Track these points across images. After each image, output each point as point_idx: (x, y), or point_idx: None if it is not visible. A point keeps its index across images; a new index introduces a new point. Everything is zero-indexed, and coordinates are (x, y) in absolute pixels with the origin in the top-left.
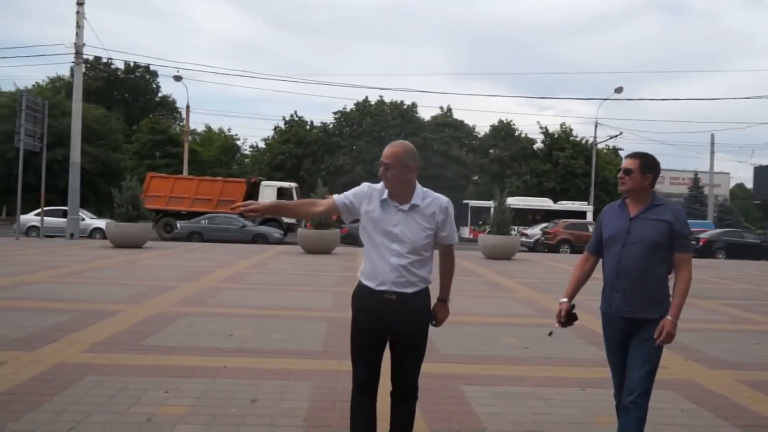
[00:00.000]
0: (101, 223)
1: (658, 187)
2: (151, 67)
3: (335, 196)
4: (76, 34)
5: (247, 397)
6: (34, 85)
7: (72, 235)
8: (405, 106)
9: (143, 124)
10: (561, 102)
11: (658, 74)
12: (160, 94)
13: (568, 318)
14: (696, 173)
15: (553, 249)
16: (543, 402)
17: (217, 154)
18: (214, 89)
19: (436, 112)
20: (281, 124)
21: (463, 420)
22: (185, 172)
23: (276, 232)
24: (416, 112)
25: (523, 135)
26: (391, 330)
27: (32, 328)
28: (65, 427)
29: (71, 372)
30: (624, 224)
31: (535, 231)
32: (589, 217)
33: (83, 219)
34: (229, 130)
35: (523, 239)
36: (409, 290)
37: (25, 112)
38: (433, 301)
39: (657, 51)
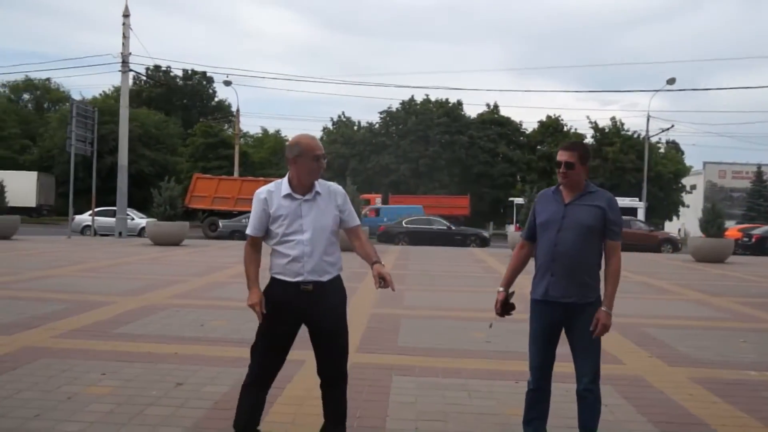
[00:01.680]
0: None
1: (719, 181)
2: (204, 73)
3: (250, 234)
4: (123, 44)
5: (176, 381)
6: (101, 94)
7: (120, 234)
8: (450, 104)
9: (197, 128)
10: (623, 96)
11: (722, 64)
12: (216, 99)
13: (504, 308)
14: (759, 167)
15: None
16: (466, 393)
17: (267, 155)
18: (269, 93)
19: (483, 109)
20: (329, 125)
21: (370, 408)
22: (236, 174)
23: None
24: (462, 110)
25: (572, 130)
26: (309, 320)
27: (23, 316)
28: None
29: (29, 355)
30: (559, 210)
31: None
32: (641, 214)
33: (132, 218)
34: (278, 131)
35: None
36: (325, 278)
37: (76, 119)
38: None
39: (720, 42)
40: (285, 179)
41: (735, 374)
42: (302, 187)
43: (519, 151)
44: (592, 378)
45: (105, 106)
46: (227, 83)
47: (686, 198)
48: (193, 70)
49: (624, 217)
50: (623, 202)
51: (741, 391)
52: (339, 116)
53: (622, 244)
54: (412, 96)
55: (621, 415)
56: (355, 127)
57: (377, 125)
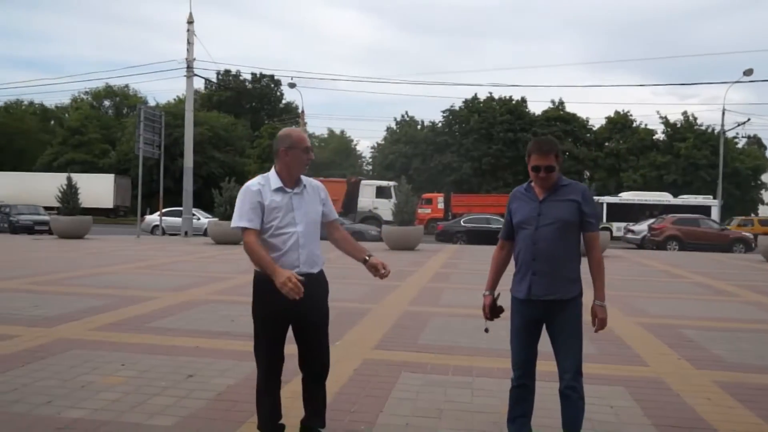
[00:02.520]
0: None
1: None
2: (272, 76)
3: (248, 228)
4: (187, 50)
5: (188, 373)
6: (174, 98)
7: (186, 233)
8: (514, 102)
9: (263, 130)
10: (703, 90)
11: None
12: (283, 101)
13: (493, 311)
14: None
15: (661, 246)
16: (470, 391)
17: (332, 155)
18: (336, 94)
19: (547, 106)
20: (393, 125)
21: (367, 403)
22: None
23: (373, 230)
24: (526, 108)
25: (641, 126)
26: (299, 313)
27: (68, 310)
28: (13, 386)
29: (62, 346)
30: (534, 207)
31: (642, 227)
32: (715, 213)
33: (198, 218)
34: (342, 132)
35: (629, 236)
36: (315, 271)
37: (144, 123)
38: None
39: None
40: (272, 173)
41: (766, 379)
42: (291, 180)
43: (585, 147)
44: (573, 375)
45: (178, 111)
46: (292, 85)
47: (766, 196)
48: (261, 74)
49: (693, 215)
50: (696, 200)
51: (765, 396)
52: (402, 116)
53: (690, 244)
54: (475, 94)
55: (625, 417)
56: (419, 127)
57: (440, 124)
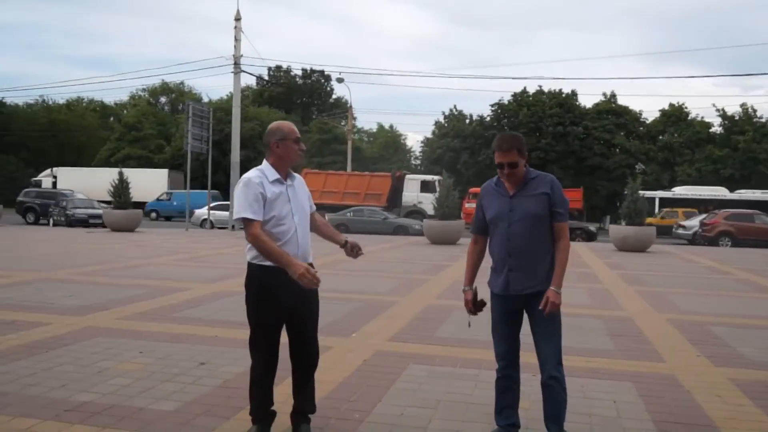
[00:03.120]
0: None
1: None
2: (322, 71)
3: (253, 219)
4: (234, 47)
5: (200, 361)
6: (227, 95)
7: (233, 227)
8: (564, 95)
9: (312, 125)
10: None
11: None
12: (334, 96)
13: (475, 305)
14: None
15: (713, 242)
16: (473, 384)
17: (379, 150)
18: (387, 89)
19: (599, 98)
20: (441, 119)
21: (367, 392)
22: (348, 169)
23: (416, 224)
24: (576, 101)
25: (698, 118)
26: (295, 304)
27: (102, 299)
28: (34, 371)
29: (89, 333)
30: (504, 203)
31: (694, 223)
32: None
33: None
34: (391, 126)
35: (680, 231)
36: (310, 260)
37: (192, 119)
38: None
39: None
40: (266, 166)
41: None
42: (285, 172)
43: (638, 141)
44: (554, 365)
45: (230, 107)
46: (340, 80)
47: None
48: (311, 69)
49: (747, 211)
50: (754, 195)
51: None
52: (451, 110)
53: (743, 241)
54: (524, 87)
55: (625, 412)
56: (467, 121)
57: (488, 118)
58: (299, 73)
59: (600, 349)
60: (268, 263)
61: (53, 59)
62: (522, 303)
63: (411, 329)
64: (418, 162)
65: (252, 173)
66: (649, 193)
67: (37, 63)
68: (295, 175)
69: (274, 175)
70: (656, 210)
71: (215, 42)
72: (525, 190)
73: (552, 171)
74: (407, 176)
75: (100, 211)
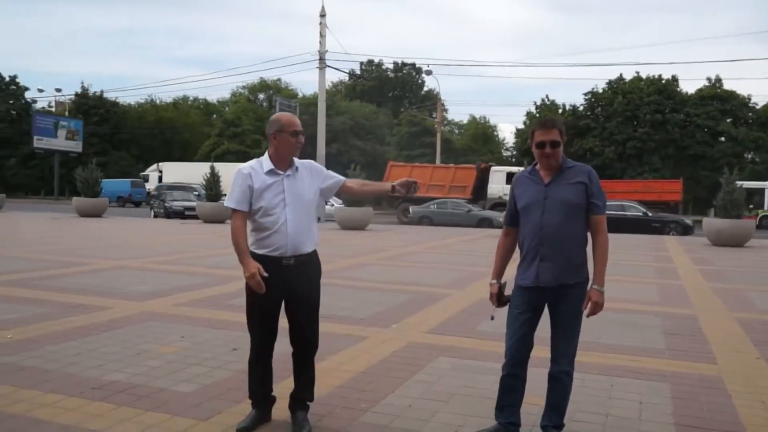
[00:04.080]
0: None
1: None
2: (413, 64)
3: (235, 209)
4: (320, 43)
5: (234, 346)
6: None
7: (318, 219)
8: (663, 81)
9: (402, 118)
10: None
11: None
12: (425, 89)
13: (501, 299)
14: None
15: None
16: (495, 378)
17: (469, 141)
18: (480, 80)
19: (702, 84)
20: (533, 110)
21: (382, 382)
22: (437, 161)
23: (500, 217)
24: (677, 86)
25: None
26: (290, 293)
27: (164, 286)
28: (79, 351)
29: (141, 318)
30: (539, 191)
31: None
32: None
33: (332, 205)
34: (484, 118)
35: None
36: (304, 252)
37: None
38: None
39: None
40: (265, 157)
41: None
42: (283, 163)
43: (746, 128)
44: (569, 360)
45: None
46: (428, 72)
47: None
48: (402, 62)
49: None
50: None
51: None
52: (543, 100)
53: None
54: (621, 74)
55: (647, 414)
56: (559, 111)
57: (581, 107)
58: (391, 66)
59: (648, 347)
60: (261, 251)
61: (162, 60)
62: (549, 297)
63: (454, 322)
64: (509, 153)
65: (247, 163)
66: (757, 184)
67: (148, 64)
68: (306, 164)
69: (268, 165)
70: (766, 202)
71: (314, 38)
72: (561, 179)
73: (650, 161)
74: (492, 168)
75: (195, 204)
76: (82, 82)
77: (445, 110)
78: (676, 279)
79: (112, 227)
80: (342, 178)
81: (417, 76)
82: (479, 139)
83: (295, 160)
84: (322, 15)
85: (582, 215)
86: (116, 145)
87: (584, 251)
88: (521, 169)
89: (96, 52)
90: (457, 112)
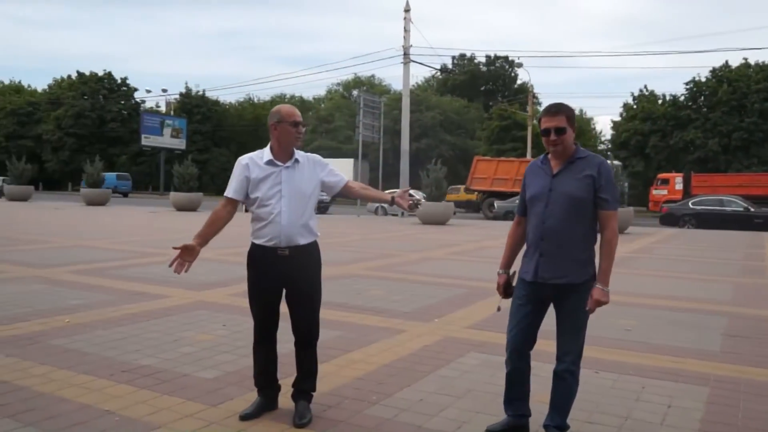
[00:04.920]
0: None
1: None
2: (506, 57)
3: (228, 194)
4: (404, 38)
5: None
6: (414, 84)
7: (402, 213)
8: None
9: (493, 112)
10: None
11: None
12: (518, 82)
13: (508, 290)
14: None
15: None
16: None
17: None
18: (575, 72)
19: None
20: (630, 101)
21: (400, 376)
22: (528, 155)
23: None
24: None
25: None
26: (287, 284)
27: (227, 277)
28: (124, 336)
29: (192, 307)
30: (546, 182)
31: None
32: None
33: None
34: (580, 110)
35: None
36: (300, 243)
37: (363, 109)
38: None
39: None
40: (267, 148)
41: None
42: (283, 154)
43: None
44: (574, 359)
45: (413, 97)
46: (519, 65)
47: None
48: (495, 55)
49: None
50: None
51: None
52: (641, 90)
53: None
54: (726, 61)
55: (672, 419)
56: (659, 101)
57: (682, 97)
58: (483, 60)
59: (700, 349)
60: (258, 241)
61: (264, 60)
62: (551, 294)
63: (499, 318)
64: (604, 147)
65: (247, 154)
66: None
67: (250, 64)
68: (310, 157)
69: (268, 156)
70: None
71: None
72: (569, 170)
73: (758, 153)
74: None
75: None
76: (186, 83)
77: (539, 103)
78: (761, 277)
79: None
80: (345, 178)
81: (510, 69)
82: None
83: (298, 152)
84: (407, 10)
85: (588, 210)
86: (217, 142)
87: (590, 248)
88: (616, 163)
89: (201, 54)
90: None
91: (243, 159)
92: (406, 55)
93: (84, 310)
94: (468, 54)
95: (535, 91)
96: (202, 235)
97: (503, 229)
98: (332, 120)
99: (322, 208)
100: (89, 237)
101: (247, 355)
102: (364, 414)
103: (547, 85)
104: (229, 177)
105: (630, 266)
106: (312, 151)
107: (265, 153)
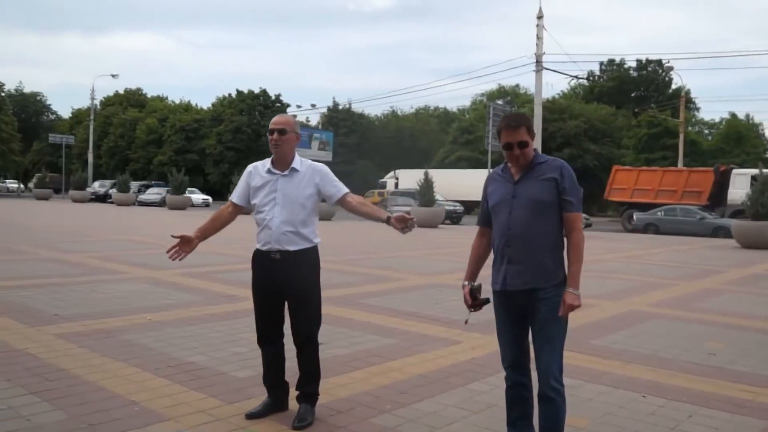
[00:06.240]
0: None
1: None
2: (659, 61)
3: (232, 198)
4: (536, 45)
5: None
6: (558, 93)
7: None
8: None
9: (641, 119)
10: None
11: None
12: (673, 86)
13: (474, 301)
14: None
15: None
16: None
17: (719, 142)
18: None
19: None
20: None
21: (428, 387)
22: (679, 164)
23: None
24: None
25: None
26: (281, 288)
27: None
28: (189, 335)
29: None
30: (508, 189)
31: None
32: None
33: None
34: (747, 116)
35: None
36: (292, 248)
37: (492, 120)
38: None
39: None
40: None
41: None
42: (279, 163)
43: None
44: (555, 373)
45: (554, 106)
46: (669, 68)
47: None
48: (647, 59)
49: None
50: None
51: None
52: None
53: None
54: None
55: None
56: None
57: None
58: (633, 64)
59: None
60: (257, 245)
61: (413, 72)
62: (523, 301)
63: (574, 334)
64: None
65: (255, 162)
66: None
67: (400, 77)
68: (312, 167)
69: (267, 165)
70: None
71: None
72: (530, 175)
73: None
74: (734, 171)
75: (409, 209)
76: (333, 98)
77: (696, 109)
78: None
79: (338, 229)
80: (345, 190)
81: (663, 74)
82: (731, 140)
83: (302, 161)
84: (539, 17)
85: (554, 214)
86: (361, 154)
87: (558, 252)
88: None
89: (351, 69)
90: (714, 110)
91: (249, 167)
92: (538, 62)
93: (170, 309)
94: (617, 59)
95: (692, 95)
96: (203, 230)
97: (636, 243)
98: (473, 131)
99: (455, 218)
100: (212, 242)
101: (290, 358)
102: (368, 422)
103: (707, 88)
104: (371, 188)
105: (761, 286)
106: (452, 163)
107: (267, 162)
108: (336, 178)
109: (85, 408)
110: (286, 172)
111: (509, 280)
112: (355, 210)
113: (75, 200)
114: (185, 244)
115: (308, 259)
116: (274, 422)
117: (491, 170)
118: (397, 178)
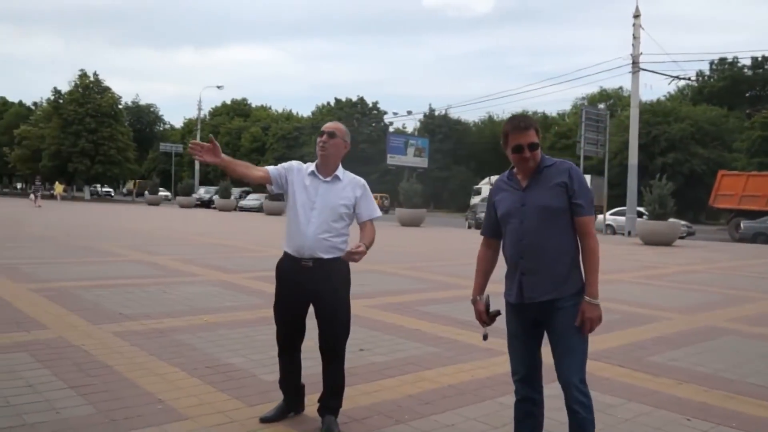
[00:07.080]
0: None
1: None
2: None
3: (269, 167)
4: (633, 45)
5: (363, 347)
6: (665, 95)
7: (629, 233)
8: None
9: (755, 120)
10: None
11: None
12: None
13: (488, 316)
14: None
15: None
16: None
17: None
18: None
19: None
20: None
21: (456, 401)
22: None
23: None
24: None
25: None
26: (310, 296)
27: (382, 290)
28: (235, 338)
29: None
30: (516, 197)
31: None
32: None
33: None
34: None
35: None
36: (325, 257)
37: (585, 124)
38: None
39: None
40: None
41: None
42: (323, 168)
43: None
44: (579, 384)
45: (657, 109)
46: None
47: None
48: (763, 56)
49: None
50: None
51: None
52: None
53: None
54: None
55: None
56: None
57: None
58: (748, 63)
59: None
60: (287, 249)
61: (511, 77)
62: (540, 313)
63: (633, 349)
64: None
65: (301, 163)
66: None
67: (498, 82)
68: (354, 179)
69: (311, 168)
70: None
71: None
72: (539, 181)
73: None
74: None
75: None
76: (430, 104)
77: None
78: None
79: (424, 234)
80: (378, 214)
81: None
82: None
83: (345, 172)
84: (636, 15)
85: (566, 220)
86: (457, 160)
87: (573, 260)
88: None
89: (450, 75)
90: None
91: (295, 162)
92: (634, 63)
93: (228, 311)
94: (729, 57)
95: None
96: (232, 161)
97: (737, 253)
98: (571, 136)
99: None
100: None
101: (306, 359)
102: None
103: None
104: (467, 194)
105: None
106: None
107: (312, 164)
108: (374, 199)
109: (113, 404)
110: (328, 179)
111: (526, 293)
112: (363, 233)
113: (182, 206)
114: (210, 153)
115: (342, 269)
116: (287, 428)
117: (496, 177)
118: (491, 185)
